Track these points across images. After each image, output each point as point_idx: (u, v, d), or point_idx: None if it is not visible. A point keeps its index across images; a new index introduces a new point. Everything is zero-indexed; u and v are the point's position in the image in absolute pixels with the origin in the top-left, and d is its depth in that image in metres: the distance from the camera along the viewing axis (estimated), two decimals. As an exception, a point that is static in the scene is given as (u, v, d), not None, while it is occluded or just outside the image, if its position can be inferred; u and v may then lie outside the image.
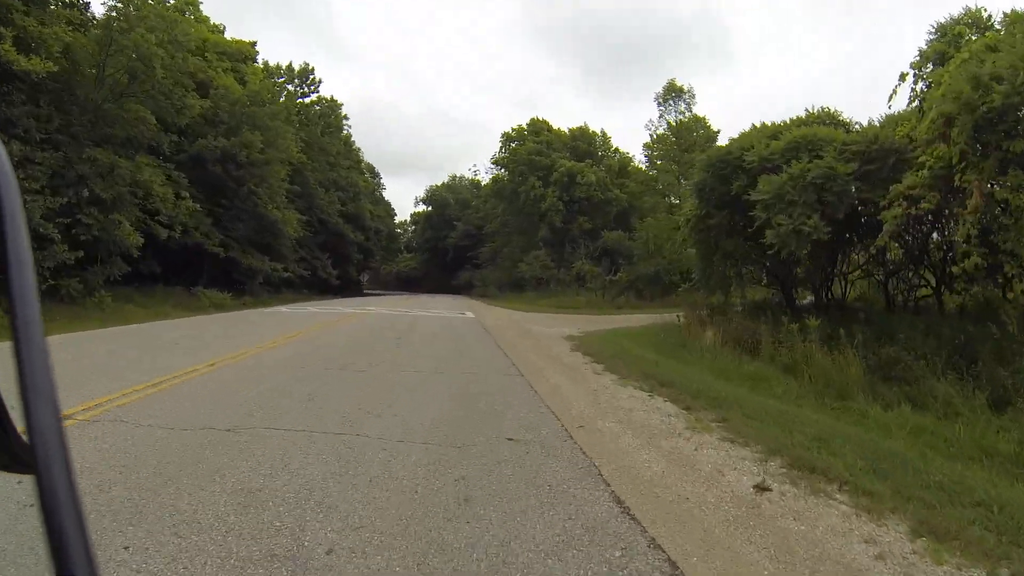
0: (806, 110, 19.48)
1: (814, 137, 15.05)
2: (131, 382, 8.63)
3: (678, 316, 20.01)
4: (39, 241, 20.22)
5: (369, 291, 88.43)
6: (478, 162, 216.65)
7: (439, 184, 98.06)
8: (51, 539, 0.56)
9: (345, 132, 62.52)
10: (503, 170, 62.27)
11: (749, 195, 15.22)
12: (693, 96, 46.89)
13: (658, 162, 55.79)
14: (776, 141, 15.75)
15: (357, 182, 61.96)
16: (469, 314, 27.80)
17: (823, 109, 19.15)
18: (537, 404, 8.38)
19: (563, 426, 7.18)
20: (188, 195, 28.00)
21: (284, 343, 14.40)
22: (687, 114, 46.91)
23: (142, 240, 24.38)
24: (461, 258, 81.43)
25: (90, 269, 23.70)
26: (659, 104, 47.53)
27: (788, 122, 18.21)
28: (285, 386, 8.98)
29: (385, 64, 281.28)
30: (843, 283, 19.65)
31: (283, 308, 30.30)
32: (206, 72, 33.87)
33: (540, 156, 55.92)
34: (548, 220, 52.99)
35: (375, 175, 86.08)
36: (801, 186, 13.72)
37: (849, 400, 9.19)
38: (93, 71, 23.87)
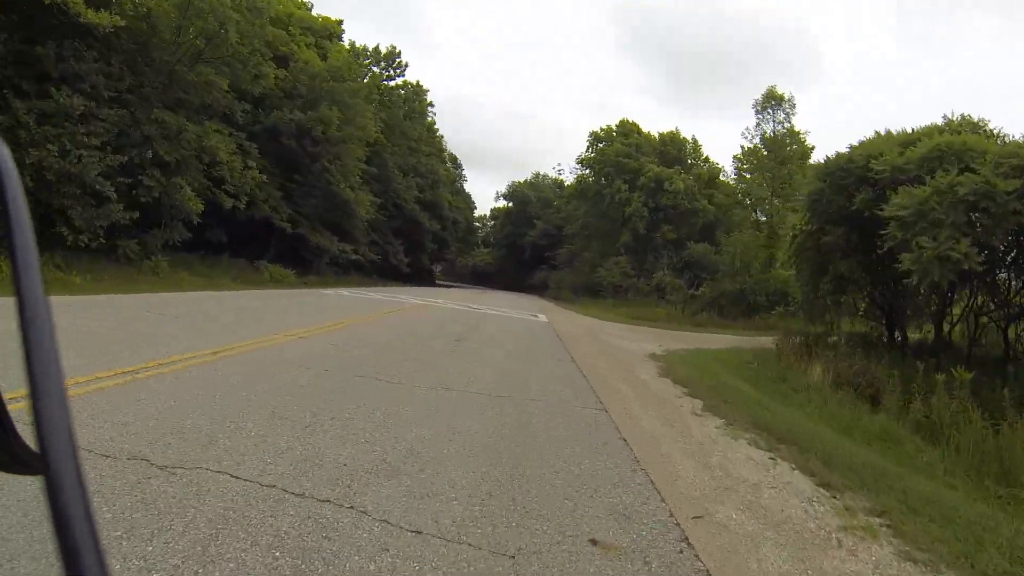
0: (945, 117, 16.83)
1: (962, 146, 12.42)
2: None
3: (776, 344, 17.56)
4: (95, 198, 19.59)
5: (442, 282, 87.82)
6: (562, 161, 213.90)
7: (521, 181, 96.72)
8: (61, 539, 0.56)
9: (429, 119, 61.75)
10: (588, 170, 60.24)
11: (879, 210, 12.72)
12: (793, 106, 43.73)
13: (746, 175, 52.89)
14: (912, 149, 13.26)
15: (437, 170, 61.03)
16: (542, 317, 25.62)
17: (964, 117, 16.58)
18: (630, 464, 5.86)
19: (671, 513, 4.77)
20: (255, 165, 26.99)
21: (322, 332, 12.47)
22: (786, 124, 43.79)
23: (203, 206, 23.50)
24: (538, 257, 79.75)
25: (150, 232, 23.12)
26: (757, 112, 44.52)
27: (918, 130, 15.59)
28: (274, 403, 6.42)
29: (470, 60, 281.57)
30: (970, 323, 16.20)
31: (344, 291, 28.94)
32: (288, 45, 33.22)
33: (628, 159, 53.72)
34: (631, 226, 50.76)
35: (457, 166, 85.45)
36: (949, 203, 11.23)
37: (1019, 488, 6.80)
38: (169, 36, 23.30)
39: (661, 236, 50.02)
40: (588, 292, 51.91)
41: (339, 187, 35.28)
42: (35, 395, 0.58)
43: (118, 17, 19.18)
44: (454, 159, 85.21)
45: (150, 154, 21.59)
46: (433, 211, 58.85)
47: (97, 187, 19.26)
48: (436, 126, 63.98)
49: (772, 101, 43.80)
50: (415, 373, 9.12)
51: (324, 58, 35.07)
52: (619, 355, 15.28)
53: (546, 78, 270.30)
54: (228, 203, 25.97)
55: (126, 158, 20.57)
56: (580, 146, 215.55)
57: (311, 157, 33.82)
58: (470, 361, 11.06)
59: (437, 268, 67.40)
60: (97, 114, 20.23)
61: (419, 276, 61.73)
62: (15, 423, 0.70)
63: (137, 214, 21.02)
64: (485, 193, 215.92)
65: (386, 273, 51.41)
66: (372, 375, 8.51)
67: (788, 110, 43.78)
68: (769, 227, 41.16)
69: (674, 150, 57.29)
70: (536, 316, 26.12)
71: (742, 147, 53.44)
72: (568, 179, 71.07)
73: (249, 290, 23.92)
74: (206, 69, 24.38)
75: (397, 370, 9.15)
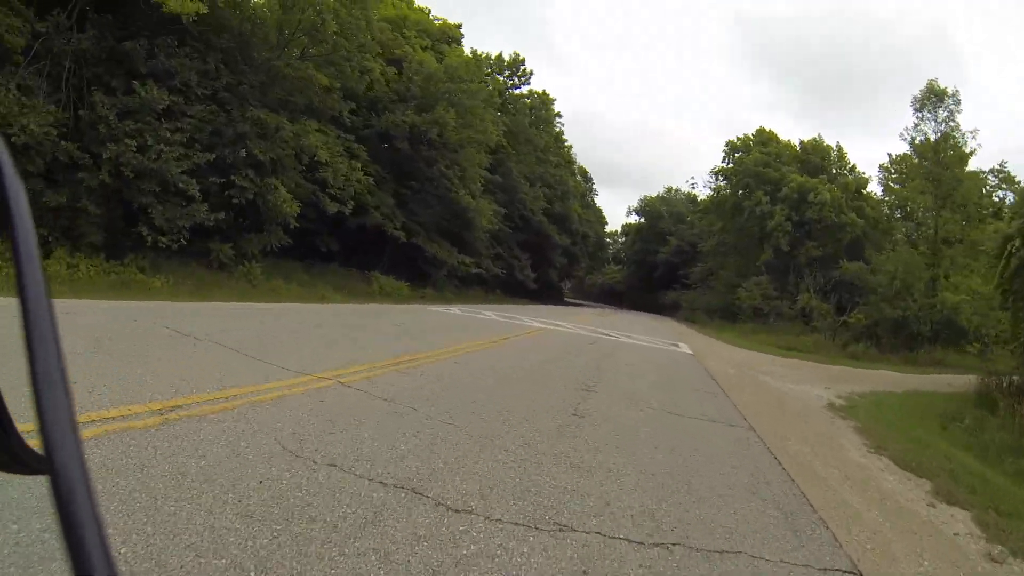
0: None
1: None
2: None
3: (996, 386, 13.46)
4: (180, 196, 18.11)
5: (570, 300, 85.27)
6: (695, 175, 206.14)
7: (653, 196, 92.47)
8: (68, 539, 0.55)
9: (557, 128, 59.23)
10: (724, 182, 55.88)
11: None
12: (958, 103, 37.25)
13: (894, 186, 46.81)
14: None
15: (567, 181, 58.34)
16: (684, 347, 21.50)
17: None
18: None
19: None
20: (360, 167, 25.23)
21: (379, 371, 8.47)
22: (950, 123, 37.37)
23: (298, 208, 21.71)
24: (670, 276, 75.54)
25: (247, 236, 21.62)
26: (916, 110, 38.52)
27: None
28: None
29: (596, 76, 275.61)
30: None
31: (455, 309, 26.15)
32: (402, 48, 31.59)
33: (767, 168, 49.22)
34: (773, 242, 46.05)
35: (587, 179, 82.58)
36: None
37: None
38: (273, 34, 22.12)
39: (805, 253, 45.04)
40: (724, 315, 47.60)
41: (458, 195, 33.22)
42: (38, 394, 0.57)
43: (201, 3, 17.57)
44: (584, 172, 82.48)
45: (244, 153, 19.98)
46: (562, 224, 56.20)
47: (180, 185, 17.76)
48: (564, 136, 61.34)
49: (932, 97, 37.75)
50: (488, 499, 4.49)
51: (440, 61, 33.16)
52: (793, 406, 11.70)
53: (674, 94, 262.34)
54: (332, 207, 24.32)
55: (213, 155, 19.05)
56: (709, 163, 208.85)
57: (426, 162, 31.93)
58: (598, 443, 6.60)
59: (566, 285, 64.57)
60: (186, 111, 18.93)
61: (546, 293, 59.19)
62: (15, 423, 0.68)
63: (223, 214, 19.41)
64: (614, 210, 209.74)
65: (511, 289, 49.20)
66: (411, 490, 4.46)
67: (952, 107, 37.53)
68: (931, 243, 35.80)
69: (816, 158, 51.85)
70: (677, 346, 22.14)
71: (889, 155, 47.98)
72: (702, 193, 66.60)
73: (349, 303, 22.08)
74: (305, 65, 22.79)
75: (455, 484, 4.65)
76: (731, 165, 54.27)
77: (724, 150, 55.42)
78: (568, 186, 57.99)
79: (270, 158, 20.66)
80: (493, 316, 23.69)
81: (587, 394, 9.39)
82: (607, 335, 21.74)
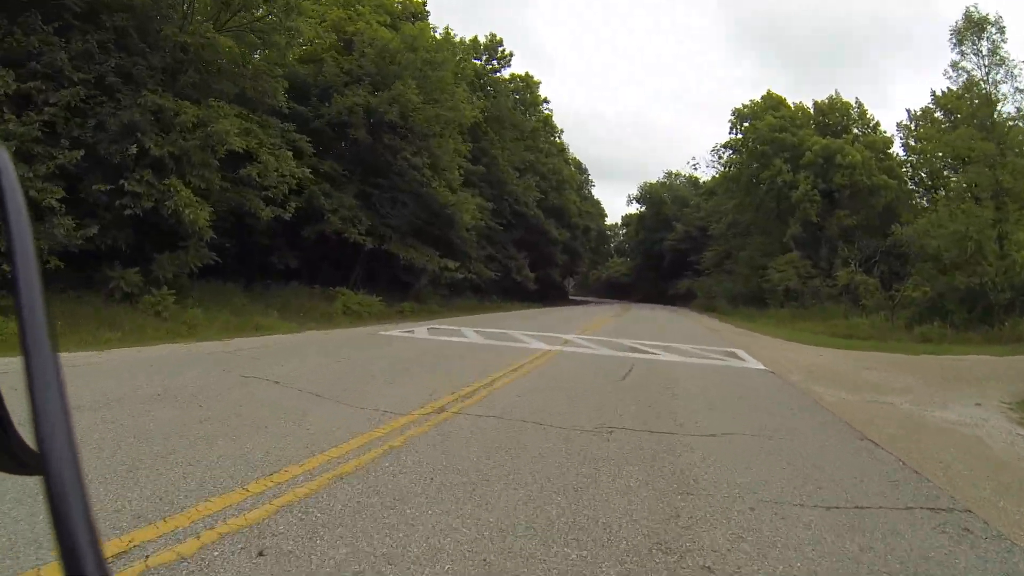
0: None
1: None
2: None
3: None
4: (34, 210, 13.35)
5: (576, 298, 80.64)
6: (697, 155, 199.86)
7: (653, 182, 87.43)
8: (61, 540, 0.56)
9: (545, 112, 54.15)
10: (734, 154, 50.79)
11: None
12: (1003, 30, 31.48)
13: (913, 144, 41.74)
14: None
15: (560, 169, 53.34)
16: (748, 359, 15.07)
17: None
18: None
19: None
20: (291, 156, 20.39)
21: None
22: (995, 55, 31.68)
23: (210, 215, 16.66)
24: (679, 263, 70.81)
25: (157, 258, 16.85)
26: (955, 44, 32.93)
27: None
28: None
29: (581, 72, 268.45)
30: None
31: (423, 330, 18.64)
32: (355, 24, 26.85)
33: (784, 133, 44.10)
34: (800, 214, 40.90)
35: (582, 171, 77.66)
36: None
37: None
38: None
39: (836, 224, 40.02)
40: (749, 300, 42.71)
41: (433, 188, 28.32)
42: (33, 395, 0.58)
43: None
44: (577, 163, 77.67)
45: (135, 149, 15.24)
46: (559, 217, 51.24)
47: (33, 194, 13.03)
48: (554, 121, 56.12)
49: (973, 27, 32.19)
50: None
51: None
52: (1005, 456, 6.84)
53: (662, 83, 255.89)
54: (267, 213, 19.52)
55: (81, 152, 14.35)
56: (705, 146, 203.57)
57: (391, 151, 27.07)
58: None
59: (570, 283, 59.59)
60: (50, 98, 14.29)
61: (549, 293, 54.37)
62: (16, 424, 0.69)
63: (95, 229, 14.69)
64: (613, 206, 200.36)
65: (510, 292, 44.44)
66: None
67: (995, 39, 31.94)
68: (994, 196, 30.37)
69: (835, 118, 46.80)
70: (737, 356, 15.70)
71: (908, 111, 42.87)
72: (705, 174, 61.71)
73: (277, 334, 16.76)
74: (223, 39, 18.06)
75: None
76: (740, 136, 49.25)
77: (731, 120, 50.49)
78: (563, 175, 53.01)
79: (168, 152, 15.87)
80: (474, 338, 16.54)
81: None
82: (639, 349, 15.58)
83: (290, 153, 20.20)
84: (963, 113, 34.98)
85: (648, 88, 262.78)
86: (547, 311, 37.16)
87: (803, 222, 40.68)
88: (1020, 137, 30.93)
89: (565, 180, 53.11)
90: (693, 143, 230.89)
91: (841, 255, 37.09)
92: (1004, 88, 31.65)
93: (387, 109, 25.36)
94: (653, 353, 14.89)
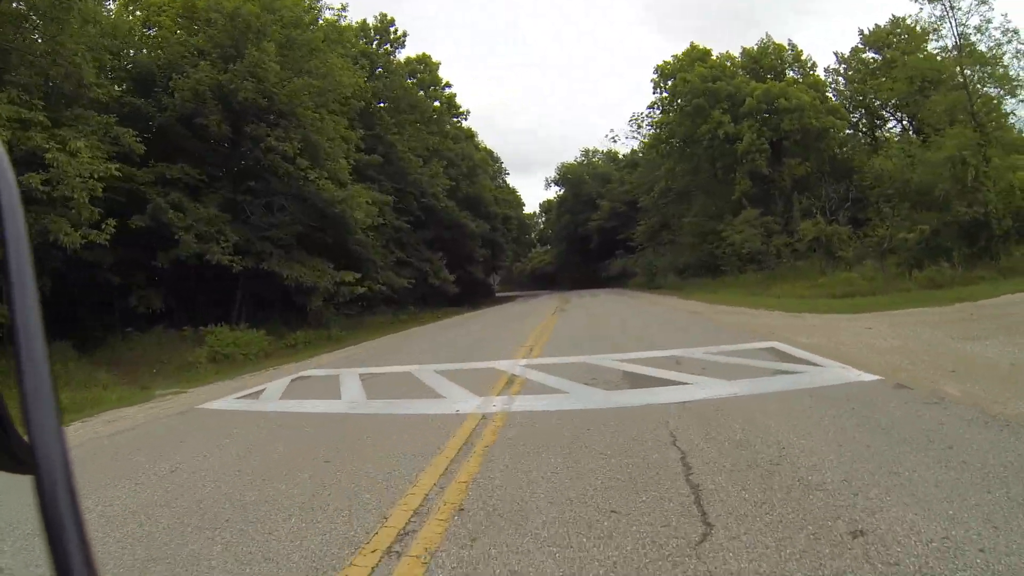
0: None
1: None
2: None
3: None
4: None
5: (504, 295, 75.54)
6: (615, 127, 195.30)
7: (572, 162, 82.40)
8: (50, 539, 0.57)
9: (448, 92, 47.95)
10: (664, 113, 45.41)
11: None
12: None
13: (855, 83, 38.65)
14: None
15: (471, 154, 47.58)
16: (800, 355, 9.56)
17: None
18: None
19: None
20: (85, 146, 14.38)
21: None
22: None
23: None
24: (609, 243, 66.38)
25: None
26: None
27: None
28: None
29: (482, 72, 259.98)
30: None
31: (279, 386, 11.64)
32: None
33: (719, 82, 39.34)
34: (748, 167, 36.31)
35: (495, 159, 72.11)
36: None
37: None
38: None
39: (788, 174, 35.72)
40: (701, 270, 38.14)
41: (314, 184, 22.28)
42: (25, 397, 0.59)
43: None
44: (489, 152, 72.15)
45: None
46: (475, 208, 45.55)
47: None
48: (459, 104, 49.68)
49: None
50: None
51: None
52: None
53: (570, 66, 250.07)
54: (71, 239, 13.53)
55: None
56: (620, 120, 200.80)
57: (252, 140, 21.06)
58: None
59: (495, 280, 54.01)
60: None
61: (474, 294, 48.77)
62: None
63: None
64: (529, 199, 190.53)
65: (429, 298, 38.75)
66: None
67: None
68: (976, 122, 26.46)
69: (770, 61, 42.31)
70: (786, 354, 9.91)
71: (836, 53, 39.36)
72: (625, 146, 57.31)
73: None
74: None
75: None
76: (666, 96, 44.38)
77: (653, 79, 45.22)
78: (473, 160, 47.05)
79: None
80: (348, 402, 9.39)
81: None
82: (643, 378, 8.83)
83: (81, 143, 14.12)
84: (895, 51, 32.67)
85: (554, 70, 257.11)
86: (471, 317, 31.52)
87: (752, 175, 36.08)
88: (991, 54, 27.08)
89: (477, 165, 47.29)
90: (610, 120, 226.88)
91: (799, 207, 32.86)
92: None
93: (241, 86, 19.37)
94: (675, 382, 8.32)
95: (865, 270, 23.87)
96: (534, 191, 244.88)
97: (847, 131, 39.15)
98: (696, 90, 39.03)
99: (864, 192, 31.01)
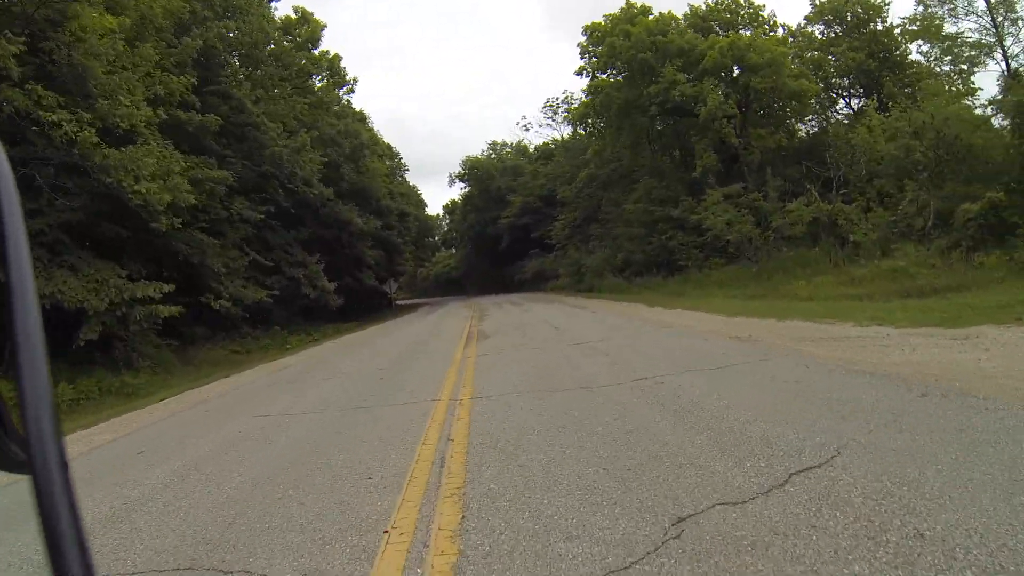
0: None
1: None
2: None
3: None
4: None
5: (406, 301, 67.53)
6: (527, 114, 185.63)
7: (478, 156, 73.98)
8: (48, 539, 0.57)
9: (331, 53, 38.11)
10: (598, 75, 36.57)
11: None
12: None
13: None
14: None
15: (359, 133, 38.10)
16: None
17: None
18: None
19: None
20: None
21: None
22: None
23: None
24: (521, 242, 58.89)
25: None
26: None
27: None
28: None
29: (383, 81, 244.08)
30: None
31: None
32: None
33: (671, 34, 32.00)
34: (713, 136, 28.93)
35: (394, 156, 63.34)
36: None
37: None
38: None
39: (759, 145, 28.68)
40: (650, 267, 30.65)
41: (77, 142, 13.37)
42: (22, 394, 0.59)
43: None
44: (388, 147, 63.25)
45: None
46: (364, 201, 36.51)
47: None
48: (344, 67, 39.82)
49: None
50: None
51: None
52: None
53: (474, 65, 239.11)
54: None
55: None
56: (529, 113, 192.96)
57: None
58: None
59: (392, 287, 44.95)
60: None
61: (365, 305, 40.02)
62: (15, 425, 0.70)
63: None
64: (433, 202, 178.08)
65: (310, 314, 30.13)
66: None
67: None
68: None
69: (723, 17, 35.09)
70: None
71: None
72: (537, 139, 50.41)
73: None
74: None
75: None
76: (596, 60, 36.22)
77: (581, 44, 36.77)
78: (361, 139, 37.65)
79: None
80: None
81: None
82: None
83: None
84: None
85: (456, 67, 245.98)
86: (359, 341, 22.82)
87: (718, 146, 28.70)
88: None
89: (365, 146, 37.95)
90: (521, 113, 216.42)
91: (773, 185, 25.74)
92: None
93: None
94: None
95: (910, 256, 17.06)
96: (438, 197, 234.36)
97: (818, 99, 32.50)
98: (641, 43, 31.26)
99: (846, 169, 24.81)
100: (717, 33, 33.18)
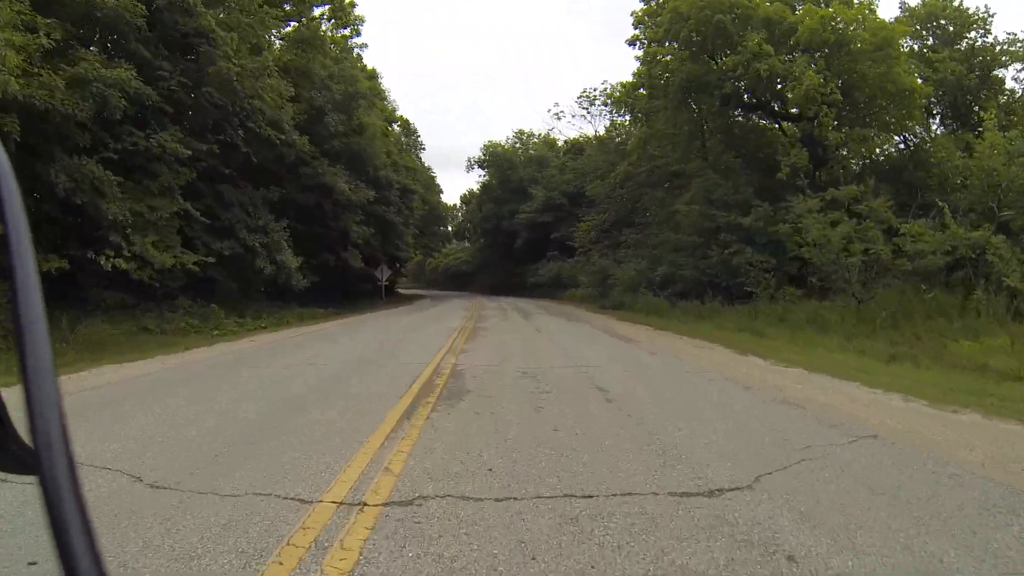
0: None
1: None
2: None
3: None
4: None
5: (408, 291, 64.29)
6: (560, 102, 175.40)
7: (501, 142, 67.60)
8: (57, 540, 0.56)
9: None
10: (652, 46, 29.15)
11: None
12: None
13: None
14: None
15: (355, 78, 31.20)
16: None
17: None
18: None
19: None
20: None
21: None
22: None
23: None
24: (541, 241, 52.59)
25: None
26: None
27: None
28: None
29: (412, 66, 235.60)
30: None
31: None
32: None
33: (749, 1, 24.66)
34: (805, 127, 22.53)
35: (410, 132, 57.74)
36: None
37: None
38: None
39: (857, 149, 22.24)
40: (705, 288, 23.51)
41: None
42: (29, 395, 0.58)
43: None
44: (406, 123, 57.57)
45: None
46: (358, 169, 30.31)
47: None
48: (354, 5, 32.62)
49: None
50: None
51: None
52: None
53: (498, 56, 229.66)
54: None
55: None
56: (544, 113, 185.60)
57: None
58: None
59: (385, 272, 38.26)
60: None
61: (352, 291, 33.91)
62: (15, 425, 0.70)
63: None
64: (455, 192, 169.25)
65: (278, 295, 24.25)
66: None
67: None
68: None
69: None
70: None
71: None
72: (568, 130, 44.59)
73: None
74: None
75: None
76: (651, 30, 28.79)
77: (635, 12, 29.85)
78: (356, 87, 30.66)
79: None
80: None
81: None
82: None
83: None
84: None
85: (487, 62, 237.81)
86: (292, 344, 16.41)
87: (808, 141, 22.01)
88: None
89: (359, 95, 31.00)
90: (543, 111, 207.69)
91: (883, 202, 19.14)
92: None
93: None
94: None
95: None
96: (456, 191, 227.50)
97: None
98: (717, 4, 24.18)
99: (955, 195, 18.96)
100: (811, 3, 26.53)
